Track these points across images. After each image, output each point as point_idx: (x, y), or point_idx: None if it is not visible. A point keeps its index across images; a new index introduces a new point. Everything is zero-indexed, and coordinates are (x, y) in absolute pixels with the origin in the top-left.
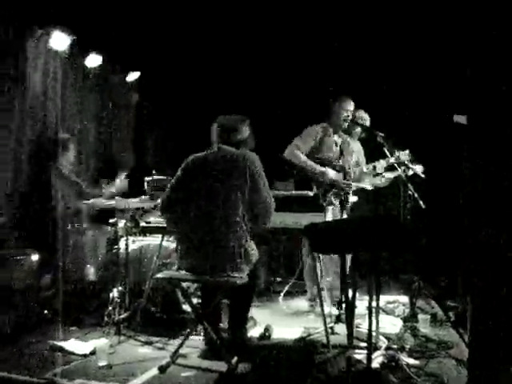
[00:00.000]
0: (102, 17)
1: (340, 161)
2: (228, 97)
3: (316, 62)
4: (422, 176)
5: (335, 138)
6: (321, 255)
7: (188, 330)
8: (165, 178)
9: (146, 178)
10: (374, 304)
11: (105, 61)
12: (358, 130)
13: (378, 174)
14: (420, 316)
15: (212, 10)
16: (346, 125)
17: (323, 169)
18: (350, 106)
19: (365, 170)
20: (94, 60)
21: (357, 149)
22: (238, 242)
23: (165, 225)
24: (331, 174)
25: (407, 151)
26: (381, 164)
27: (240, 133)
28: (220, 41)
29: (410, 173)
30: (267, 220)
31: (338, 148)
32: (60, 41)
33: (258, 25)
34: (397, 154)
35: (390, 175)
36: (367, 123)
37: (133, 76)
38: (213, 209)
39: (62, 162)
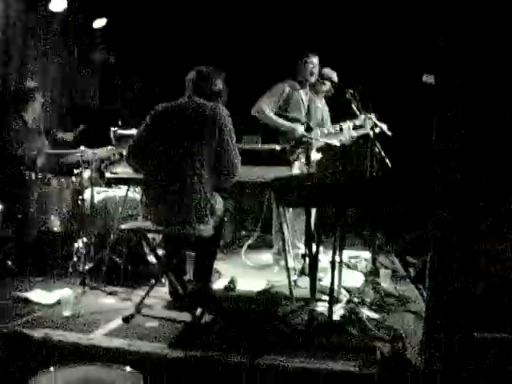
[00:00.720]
0: None
1: (306, 117)
2: (200, 50)
3: (285, 20)
4: (389, 133)
5: (302, 95)
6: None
7: (153, 281)
8: (131, 131)
9: (112, 128)
10: (337, 258)
11: (70, 6)
12: (325, 87)
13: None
14: (381, 271)
15: None
16: (312, 79)
17: (293, 125)
18: (315, 58)
19: (332, 130)
20: (58, 4)
21: (322, 106)
22: (203, 193)
23: (130, 176)
24: (301, 129)
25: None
26: (347, 125)
27: (215, 84)
28: None
29: (377, 130)
30: (232, 175)
31: (306, 106)
32: None
33: None
34: (364, 112)
35: (356, 133)
36: (334, 79)
37: (99, 23)
38: (179, 159)
39: (28, 112)
